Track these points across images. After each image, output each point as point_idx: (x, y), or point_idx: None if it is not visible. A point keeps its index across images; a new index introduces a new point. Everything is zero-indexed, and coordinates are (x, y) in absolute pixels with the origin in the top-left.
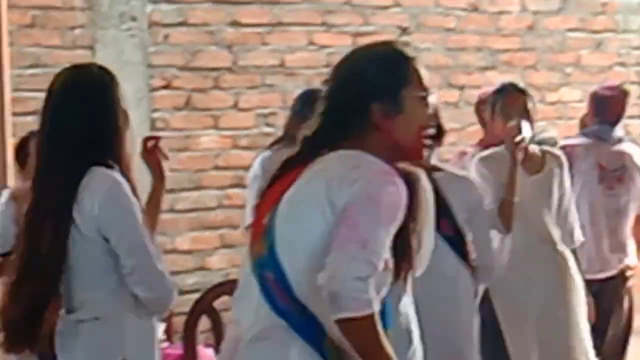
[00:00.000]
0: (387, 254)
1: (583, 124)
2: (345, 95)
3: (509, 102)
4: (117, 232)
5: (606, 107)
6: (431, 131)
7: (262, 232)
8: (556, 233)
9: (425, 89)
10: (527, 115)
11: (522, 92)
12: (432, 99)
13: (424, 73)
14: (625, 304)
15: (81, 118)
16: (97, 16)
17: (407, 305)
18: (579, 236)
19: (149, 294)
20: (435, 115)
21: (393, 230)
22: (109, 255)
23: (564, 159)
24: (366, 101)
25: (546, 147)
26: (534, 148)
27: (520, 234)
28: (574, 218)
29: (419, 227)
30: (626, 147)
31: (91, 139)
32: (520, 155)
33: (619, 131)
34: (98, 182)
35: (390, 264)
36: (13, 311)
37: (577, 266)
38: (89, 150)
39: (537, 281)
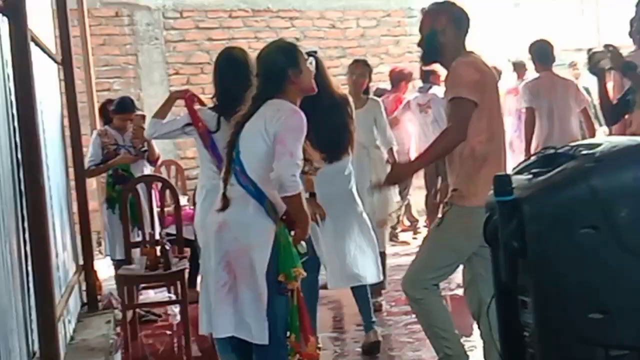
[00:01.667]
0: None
1: None
2: (272, 71)
3: None
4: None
5: None
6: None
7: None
8: None
9: (304, 62)
10: None
11: None
12: (311, 65)
13: (303, 52)
14: None
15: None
16: None
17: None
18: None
19: None
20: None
21: (303, 140)
22: None
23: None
24: (285, 70)
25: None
26: None
27: None
28: None
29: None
30: None
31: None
32: None
33: None
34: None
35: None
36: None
37: None
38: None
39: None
